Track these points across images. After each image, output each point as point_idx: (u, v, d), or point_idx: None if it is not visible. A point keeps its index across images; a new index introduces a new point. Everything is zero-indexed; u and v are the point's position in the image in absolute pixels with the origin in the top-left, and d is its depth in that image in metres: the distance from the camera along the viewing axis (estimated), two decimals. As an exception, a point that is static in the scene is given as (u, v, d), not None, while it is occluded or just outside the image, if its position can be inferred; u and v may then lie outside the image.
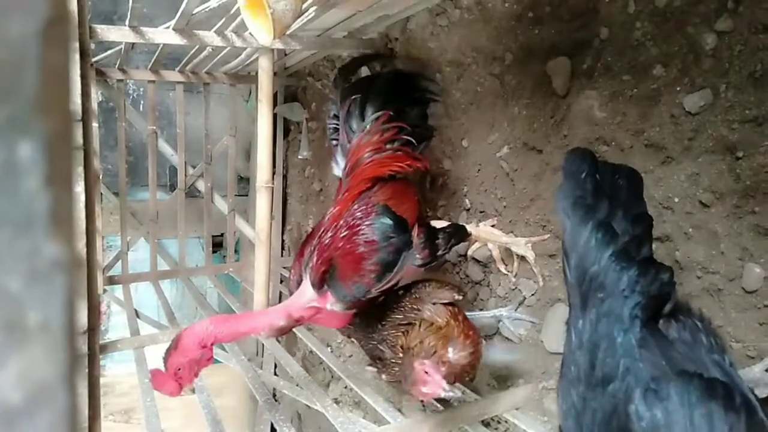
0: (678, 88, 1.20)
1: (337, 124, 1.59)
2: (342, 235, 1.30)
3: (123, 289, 2.61)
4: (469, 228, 1.58)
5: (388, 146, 1.47)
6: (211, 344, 1.22)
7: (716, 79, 1.13)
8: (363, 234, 1.28)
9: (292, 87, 3.08)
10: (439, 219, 1.81)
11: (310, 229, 1.56)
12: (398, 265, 1.29)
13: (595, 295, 0.87)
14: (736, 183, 1.10)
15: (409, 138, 1.47)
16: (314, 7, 1.74)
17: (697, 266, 1.18)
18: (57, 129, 0.14)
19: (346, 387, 2.60)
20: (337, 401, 2.53)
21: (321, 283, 1.27)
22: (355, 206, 1.35)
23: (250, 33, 1.76)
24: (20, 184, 0.13)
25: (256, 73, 2.08)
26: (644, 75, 1.26)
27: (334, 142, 1.60)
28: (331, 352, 2.45)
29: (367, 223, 1.29)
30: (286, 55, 2.63)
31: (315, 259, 1.30)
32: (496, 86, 1.69)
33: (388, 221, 1.29)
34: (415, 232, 1.36)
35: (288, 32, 1.82)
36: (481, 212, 1.75)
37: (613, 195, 0.94)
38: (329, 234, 1.33)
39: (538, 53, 1.53)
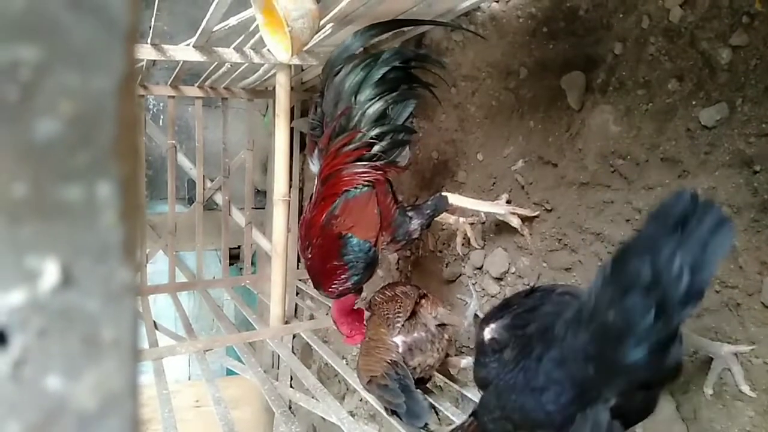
0: (693, 102, 1.20)
1: (320, 121, 1.55)
2: (318, 261, 1.58)
3: (141, 300, 2.65)
4: (450, 198, 1.61)
5: (364, 158, 1.48)
6: (350, 309, 1.71)
7: (732, 93, 1.13)
8: (334, 262, 1.55)
9: (308, 102, 3.13)
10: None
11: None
12: (367, 274, 1.59)
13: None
14: (753, 197, 1.10)
15: (385, 150, 1.49)
16: (331, 24, 1.78)
17: (715, 280, 1.18)
18: (129, 171, 0.16)
19: (361, 400, 2.60)
20: (352, 414, 2.53)
21: (317, 289, 1.70)
22: (322, 227, 1.54)
23: (268, 50, 1.80)
24: (99, 219, 0.15)
25: (274, 88, 2.12)
26: (659, 89, 1.26)
27: (315, 138, 1.59)
28: (347, 364, 2.46)
29: (334, 254, 1.54)
30: (303, 70, 2.68)
31: (307, 273, 1.68)
32: (511, 100, 1.70)
33: (353, 252, 1.53)
34: (380, 239, 1.55)
35: (305, 48, 1.86)
36: (496, 225, 1.76)
37: None
38: (309, 251, 1.59)
39: (552, 68, 1.54)
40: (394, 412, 1.38)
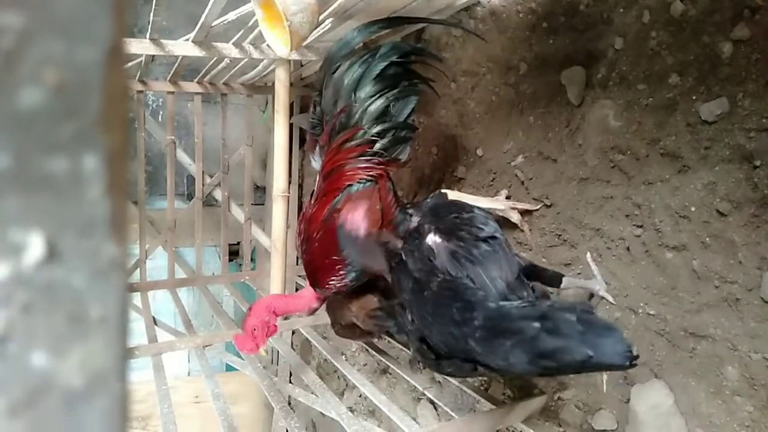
0: (694, 97, 1.19)
1: (319, 120, 1.55)
2: (318, 255, 1.57)
3: (141, 296, 2.65)
4: (450, 194, 1.61)
5: (366, 155, 1.48)
6: (274, 312, 1.57)
7: (733, 87, 1.12)
8: (333, 257, 1.53)
9: (308, 97, 3.12)
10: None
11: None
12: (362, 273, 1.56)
13: None
14: (753, 192, 1.10)
15: (386, 147, 1.49)
16: (330, 19, 1.77)
17: (714, 276, 1.18)
18: (116, 144, 0.15)
19: (360, 395, 2.60)
20: (351, 409, 2.53)
21: (314, 287, 1.64)
22: (323, 222, 1.52)
23: (267, 45, 1.79)
24: (84, 192, 0.15)
25: (273, 83, 2.12)
26: (660, 84, 1.26)
27: (315, 137, 1.58)
28: (346, 360, 2.46)
29: (334, 248, 1.52)
30: (302, 65, 2.67)
31: (304, 269, 1.64)
32: (510, 96, 1.70)
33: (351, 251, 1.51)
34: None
35: (304, 44, 1.85)
36: (495, 221, 1.75)
37: None
38: (308, 246, 1.58)
39: (552, 63, 1.54)
40: (387, 332, 1.64)
